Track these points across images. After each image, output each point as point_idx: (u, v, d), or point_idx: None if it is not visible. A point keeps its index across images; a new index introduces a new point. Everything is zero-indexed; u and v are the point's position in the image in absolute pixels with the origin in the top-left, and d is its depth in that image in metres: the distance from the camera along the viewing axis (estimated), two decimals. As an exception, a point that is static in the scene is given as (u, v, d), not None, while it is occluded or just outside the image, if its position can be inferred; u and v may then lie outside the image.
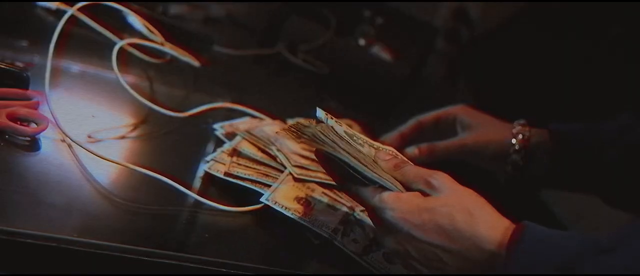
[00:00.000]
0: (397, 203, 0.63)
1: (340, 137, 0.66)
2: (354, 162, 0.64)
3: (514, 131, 0.88)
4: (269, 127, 0.85)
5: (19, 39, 0.89)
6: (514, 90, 1.41)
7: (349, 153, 0.64)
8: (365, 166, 0.64)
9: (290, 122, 0.65)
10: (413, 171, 0.66)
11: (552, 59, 1.33)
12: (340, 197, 0.76)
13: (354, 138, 0.68)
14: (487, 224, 0.61)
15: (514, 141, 0.87)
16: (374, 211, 0.65)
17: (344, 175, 0.66)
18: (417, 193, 0.64)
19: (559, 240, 0.59)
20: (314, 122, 0.66)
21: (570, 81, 1.26)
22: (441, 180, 0.64)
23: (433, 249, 0.62)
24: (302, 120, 0.67)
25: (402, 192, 0.64)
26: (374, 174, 0.64)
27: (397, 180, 0.65)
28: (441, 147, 0.89)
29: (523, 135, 0.88)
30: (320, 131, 0.64)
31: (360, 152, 0.66)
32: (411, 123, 0.94)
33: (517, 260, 0.59)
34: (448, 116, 0.93)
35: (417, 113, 0.96)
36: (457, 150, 0.89)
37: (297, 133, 0.64)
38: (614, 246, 0.57)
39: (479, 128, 0.90)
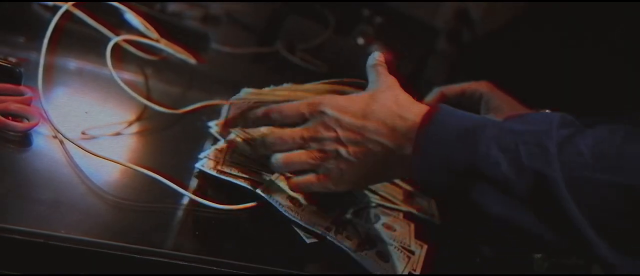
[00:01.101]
0: (330, 97, 0.70)
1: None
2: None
3: None
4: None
5: (15, 34, 0.89)
6: (515, 92, 1.41)
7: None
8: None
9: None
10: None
11: (553, 60, 1.32)
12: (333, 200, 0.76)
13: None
14: (409, 102, 0.68)
15: None
16: (307, 110, 0.70)
17: None
18: None
19: (470, 116, 0.63)
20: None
21: (571, 83, 1.26)
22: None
23: (356, 129, 0.67)
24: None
25: None
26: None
27: None
28: None
29: None
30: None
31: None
32: (434, 94, 0.93)
33: (430, 126, 0.63)
34: (474, 91, 0.91)
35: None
36: None
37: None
38: (517, 120, 0.61)
39: (504, 112, 0.87)
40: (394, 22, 1.30)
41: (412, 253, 0.73)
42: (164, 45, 0.96)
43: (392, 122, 0.66)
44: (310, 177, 0.70)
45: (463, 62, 1.67)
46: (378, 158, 0.66)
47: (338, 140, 0.67)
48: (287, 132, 0.71)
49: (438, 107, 0.64)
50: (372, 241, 0.72)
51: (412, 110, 0.66)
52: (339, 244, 0.69)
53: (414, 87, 1.16)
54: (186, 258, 0.61)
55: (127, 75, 0.89)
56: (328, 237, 0.69)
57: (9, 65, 0.72)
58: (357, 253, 0.68)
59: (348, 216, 0.75)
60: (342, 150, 0.67)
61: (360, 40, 1.22)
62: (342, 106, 0.68)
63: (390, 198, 0.84)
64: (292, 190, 0.72)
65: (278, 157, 0.71)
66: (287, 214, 0.70)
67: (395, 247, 0.72)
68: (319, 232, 0.69)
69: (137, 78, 0.92)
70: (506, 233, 0.60)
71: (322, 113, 0.69)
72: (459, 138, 0.60)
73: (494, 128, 0.60)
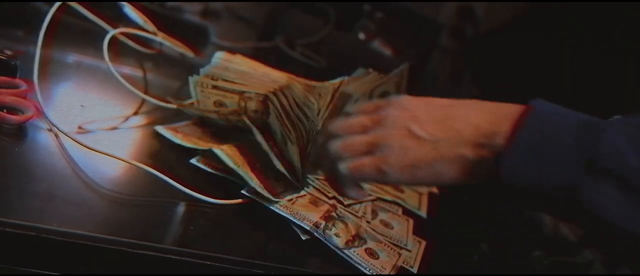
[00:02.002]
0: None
1: None
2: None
3: None
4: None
5: (12, 28, 0.88)
6: (519, 89, 1.40)
7: None
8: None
9: None
10: None
11: (556, 58, 1.31)
12: (324, 194, 0.76)
13: None
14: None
15: None
16: (385, 102, 0.64)
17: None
18: None
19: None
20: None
21: (573, 81, 1.25)
22: None
23: (442, 108, 0.60)
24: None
25: None
26: None
27: None
28: None
29: None
30: None
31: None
32: None
33: (540, 108, 0.57)
34: None
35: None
36: None
37: None
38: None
39: None
40: (396, 17, 1.29)
41: (408, 250, 0.72)
42: (162, 38, 0.95)
43: (489, 106, 0.59)
44: (363, 160, 0.62)
45: (467, 58, 1.67)
46: (461, 139, 0.58)
47: (414, 118, 0.58)
48: (353, 119, 0.64)
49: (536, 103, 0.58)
50: (362, 238, 0.71)
51: (512, 107, 0.59)
52: (326, 241, 0.68)
53: (416, 83, 1.17)
54: (180, 252, 0.60)
55: (125, 69, 0.89)
56: (315, 233, 0.68)
57: (4, 58, 0.71)
58: (344, 250, 0.68)
59: (341, 211, 0.74)
60: (415, 127, 0.58)
61: (361, 36, 1.22)
62: (426, 98, 0.62)
63: (378, 190, 0.83)
64: (345, 180, 0.65)
65: (336, 143, 0.64)
66: (274, 209, 0.69)
67: (385, 244, 0.72)
68: (307, 228, 0.68)
69: (135, 71, 0.91)
70: (627, 242, 0.55)
71: (400, 101, 0.62)
72: (578, 127, 0.54)
73: (618, 121, 0.54)
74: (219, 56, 0.88)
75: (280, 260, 0.65)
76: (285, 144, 0.73)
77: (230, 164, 0.71)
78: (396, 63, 1.20)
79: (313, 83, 0.85)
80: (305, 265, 0.67)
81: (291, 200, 0.71)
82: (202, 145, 0.75)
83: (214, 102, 0.80)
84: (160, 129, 0.77)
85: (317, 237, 0.68)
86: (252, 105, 0.79)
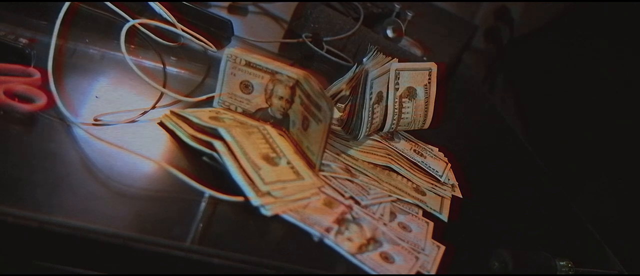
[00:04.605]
0: None
1: None
2: None
3: None
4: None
5: (35, 17, 0.88)
6: (555, 94, 1.37)
7: None
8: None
9: None
10: None
11: (595, 62, 1.28)
12: (340, 194, 0.73)
13: None
14: None
15: None
16: None
17: None
18: None
19: None
20: None
21: (613, 86, 1.22)
22: None
23: None
24: None
25: None
26: None
27: None
28: None
29: None
30: None
31: None
32: None
33: None
34: None
35: (450, 111, 0.93)
36: None
37: None
38: None
39: None
40: (427, 16, 1.26)
41: (426, 254, 0.70)
42: (183, 31, 0.94)
43: None
44: None
45: (501, 60, 1.64)
46: None
47: None
48: None
49: None
50: (377, 241, 0.68)
51: None
52: (336, 248, 0.65)
53: (448, 83, 1.14)
54: (191, 250, 0.59)
55: (145, 62, 0.88)
56: (325, 240, 0.66)
57: (19, 45, 0.71)
58: (356, 256, 0.65)
59: (357, 212, 0.72)
60: None
61: (390, 34, 1.19)
62: None
63: (398, 191, 0.80)
64: None
65: None
66: (283, 216, 0.67)
67: (403, 248, 0.69)
68: (317, 234, 0.66)
69: (154, 64, 0.90)
70: None
71: None
72: None
73: None
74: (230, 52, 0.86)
75: (293, 260, 0.63)
76: (301, 135, 0.72)
77: (229, 168, 0.69)
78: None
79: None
80: (319, 265, 0.65)
81: (305, 205, 0.69)
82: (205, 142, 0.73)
83: (240, 82, 0.78)
84: (166, 120, 0.75)
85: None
86: (280, 89, 0.77)
